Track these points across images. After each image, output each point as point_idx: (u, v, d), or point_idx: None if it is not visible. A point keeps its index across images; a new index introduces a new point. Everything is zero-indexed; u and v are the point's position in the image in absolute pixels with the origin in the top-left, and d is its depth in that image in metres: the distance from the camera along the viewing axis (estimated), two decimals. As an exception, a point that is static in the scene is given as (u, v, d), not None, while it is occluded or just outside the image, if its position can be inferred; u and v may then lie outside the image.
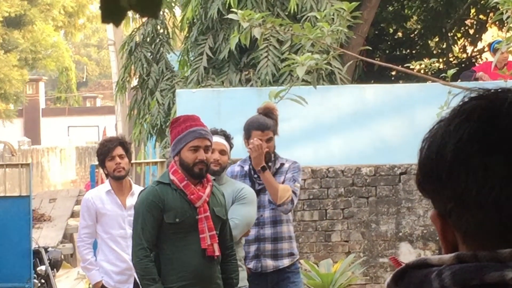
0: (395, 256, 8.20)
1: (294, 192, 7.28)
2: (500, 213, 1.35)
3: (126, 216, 7.59)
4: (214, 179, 6.37)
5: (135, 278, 7.41)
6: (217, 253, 6.08)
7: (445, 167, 1.39)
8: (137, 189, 7.77)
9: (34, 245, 10.03)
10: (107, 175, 7.94)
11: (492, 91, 1.42)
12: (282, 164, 7.38)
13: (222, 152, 6.89)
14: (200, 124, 6.15)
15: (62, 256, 11.96)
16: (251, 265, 7.15)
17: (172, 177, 6.08)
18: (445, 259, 1.38)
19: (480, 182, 1.35)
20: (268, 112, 7.27)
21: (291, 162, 7.45)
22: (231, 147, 7.08)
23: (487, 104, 1.39)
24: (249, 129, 7.24)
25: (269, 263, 7.34)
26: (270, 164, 7.32)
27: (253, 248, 7.27)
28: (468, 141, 1.37)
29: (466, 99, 1.43)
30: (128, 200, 7.75)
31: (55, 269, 10.85)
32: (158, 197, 6.03)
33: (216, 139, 6.80)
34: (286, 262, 7.40)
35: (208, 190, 6.12)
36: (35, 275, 10.00)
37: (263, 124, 7.21)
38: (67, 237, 19.32)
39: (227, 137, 7.04)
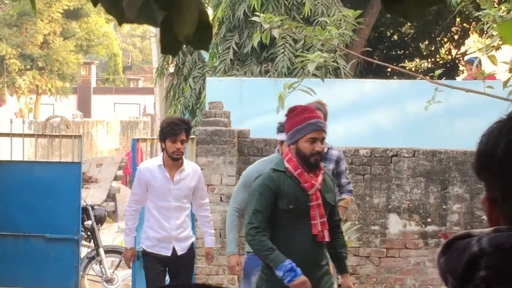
0: (445, 232, 7.99)
1: (350, 191, 7.43)
2: None
3: (173, 189, 7.17)
4: (325, 166, 5.67)
5: (174, 248, 7.25)
6: (327, 239, 5.42)
7: (496, 162, 1.46)
8: (188, 165, 7.39)
9: (82, 203, 10.00)
10: (162, 150, 7.35)
11: None
12: (328, 149, 7.02)
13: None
14: (317, 116, 5.45)
15: (106, 213, 11.97)
16: None
17: (287, 165, 5.37)
18: (485, 231, 1.46)
19: None
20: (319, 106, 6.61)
21: (337, 150, 7.23)
22: None
23: None
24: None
25: None
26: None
27: None
28: None
29: None
30: (177, 175, 7.27)
31: (99, 224, 10.82)
32: (274, 184, 5.34)
33: None
34: None
35: (320, 178, 5.41)
36: (82, 229, 10.02)
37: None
38: (110, 196, 19.40)
39: None
